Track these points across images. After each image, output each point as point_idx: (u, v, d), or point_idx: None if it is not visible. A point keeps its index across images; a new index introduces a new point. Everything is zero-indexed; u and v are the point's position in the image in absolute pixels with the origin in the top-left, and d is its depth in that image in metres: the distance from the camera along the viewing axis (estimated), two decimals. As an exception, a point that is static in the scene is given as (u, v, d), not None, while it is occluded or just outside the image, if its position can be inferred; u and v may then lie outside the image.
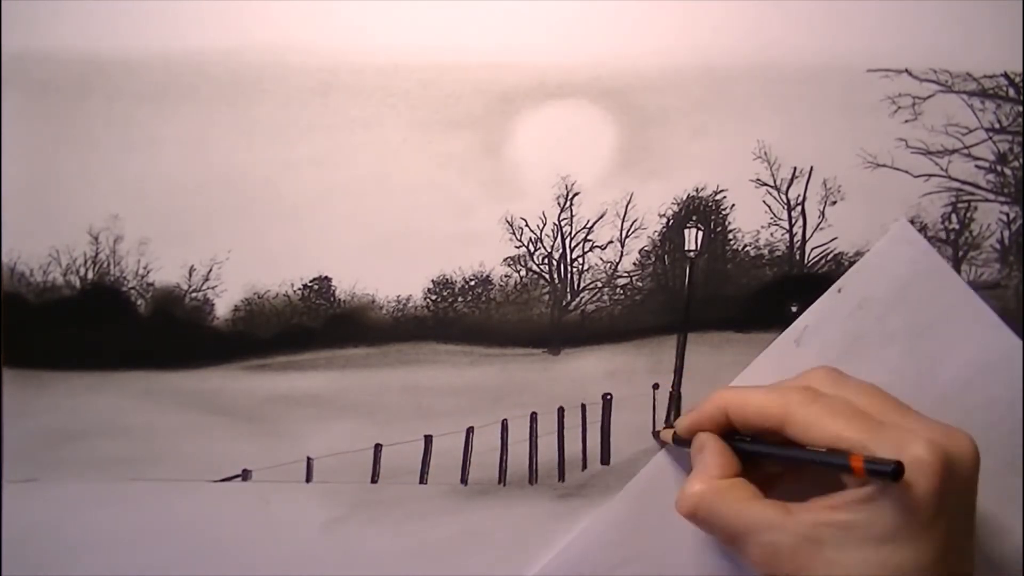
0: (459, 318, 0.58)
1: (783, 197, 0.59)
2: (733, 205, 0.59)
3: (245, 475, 0.56)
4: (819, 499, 0.42)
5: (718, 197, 0.58)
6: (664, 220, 0.59)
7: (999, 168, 0.59)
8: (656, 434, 0.56)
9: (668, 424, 0.56)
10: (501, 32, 0.57)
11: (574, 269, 0.59)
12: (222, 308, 0.57)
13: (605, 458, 0.58)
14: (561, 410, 0.57)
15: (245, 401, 0.57)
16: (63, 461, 0.56)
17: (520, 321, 0.59)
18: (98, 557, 0.55)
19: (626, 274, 0.59)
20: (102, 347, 0.57)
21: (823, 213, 0.59)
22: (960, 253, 0.59)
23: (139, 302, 0.57)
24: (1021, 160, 0.59)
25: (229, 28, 0.57)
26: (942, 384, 0.53)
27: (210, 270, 0.57)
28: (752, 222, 0.59)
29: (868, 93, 0.58)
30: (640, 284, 0.59)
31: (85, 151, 0.57)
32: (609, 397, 0.58)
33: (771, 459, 0.46)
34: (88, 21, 0.57)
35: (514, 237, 0.58)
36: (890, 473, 0.38)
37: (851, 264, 0.58)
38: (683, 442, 0.51)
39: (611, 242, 0.59)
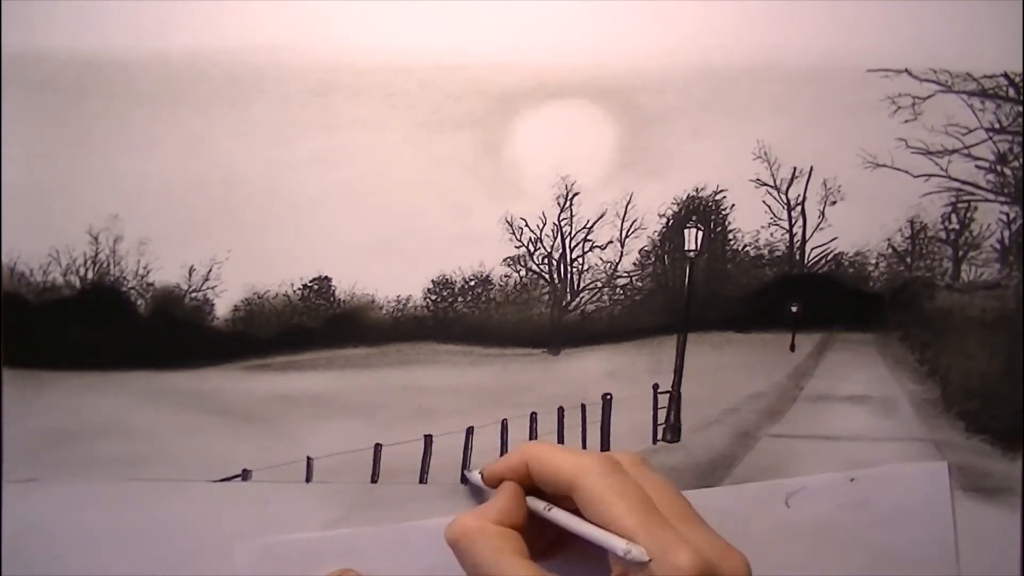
0: (459, 318, 0.58)
1: (783, 197, 0.59)
2: (733, 205, 0.59)
3: (245, 475, 0.56)
4: None
5: (718, 197, 0.58)
6: (664, 220, 0.59)
7: (999, 168, 0.59)
8: (464, 478, 0.54)
9: (469, 468, 0.55)
10: (501, 32, 0.57)
11: (574, 269, 0.59)
12: (222, 308, 0.57)
13: (605, 458, 0.58)
14: (561, 410, 0.57)
15: (245, 401, 0.57)
16: (63, 461, 0.56)
17: (520, 321, 0.59)
18: (98, 557, 0.55)
19: (626, 274, 0.59)
20: (102, 347, 0.57)
21: (823, 213, 0.59)
22: (960, 253, 0.59)
23: (139, 302, 0.57)
24: (1021, 160, 0.59)
25: (229, 28, 0.57)
26: None
27: (210, 270, 0.57)
28: (752, 222, 0.59)
29: (868, 93, 0.58)
30: (640, 284, 0.59)
31: (85, 151, 0.57)
32: (609, 397, 0.58)
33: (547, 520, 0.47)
34: (88, 21, 0.57)
35: (514, 237, 0.58)
36: (638, 561, 0.38)
37: (851, 264, 0.58)
38: (492, 487, 0.51)
39: (611, 242, 0.59)
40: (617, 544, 0.39)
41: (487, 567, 0.42)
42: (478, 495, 0.57)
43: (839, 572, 0.53)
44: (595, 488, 0.41)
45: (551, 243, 0.58)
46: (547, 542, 0.46)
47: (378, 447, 0.57)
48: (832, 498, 0.54)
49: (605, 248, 0.59)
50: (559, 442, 0.57)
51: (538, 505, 0.45)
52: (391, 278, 0.57)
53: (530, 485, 0.46)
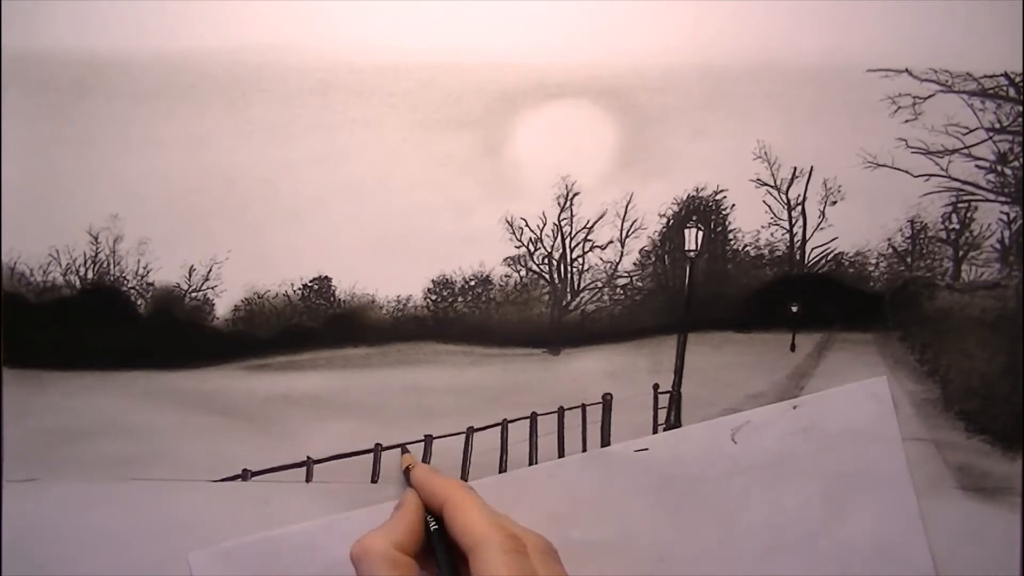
0: (459, 318, 0.58)
1: (783, 197, 0.59)
2: (733, 205, 0.59)
3: (245, 475, 0.56)
4: None
5: (718, 197, 0.58)
6: (664, 220, 0.59)
7: (999, 168, 0.59)
8: (404, 449, 0.56)
9: (407, 452, 0.56)
10: (501, 32, 0.57)
11: (574, 269, 0.59)
12: (222, 308, 0.57)
13: (605, 458, 0.58)
14: (561, 410, 0.57)
15: (245, 401, 0.57)
16: (63, 461, 0.56)
17: (520, 321, 0.58)
18: (98, 557, 0.55)
19: (626, 274, 0.59)
20: (102, 347, 0.57)
21: (823, 213, 0.59)
22: (960, 253, 0.59)
23: (139, 302, 0.57)
24: (1021, 160, 0.59)
25: (229, 28, 0.57)
26: (840, 537, 0.54)
27: (210, 270, 0.57)
28: (752, 222, 0.59)
29: (868, 93, 0.58)
30: (640, 284, 0.59)
31: (85, 151, 0.57)
32: (609, 397, 0.58)
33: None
34: (88, 21, 0.57)
35: (514, 237, 0.58)
36: None
37: (851, 264, 0.58)
38: (406, 476, 0.52)
39: (611, 242, 0.59)
40: None
41: None
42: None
43: (795, 500, 0.54)
44: (490, 560, 0.43)
45: (551, 243, 0.58)
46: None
47: (378, 447, 0.57)
48: (777, 427, 0.55)
49: (605, 248, 0.59)
50: (559, 442, 0.57)
51: (436, 543, 0.48)
52: (391, 278, 0.57)
53: (434, 512, 0.48)
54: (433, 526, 0.48)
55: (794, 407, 0.55)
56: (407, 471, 0.52)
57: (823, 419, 0.55)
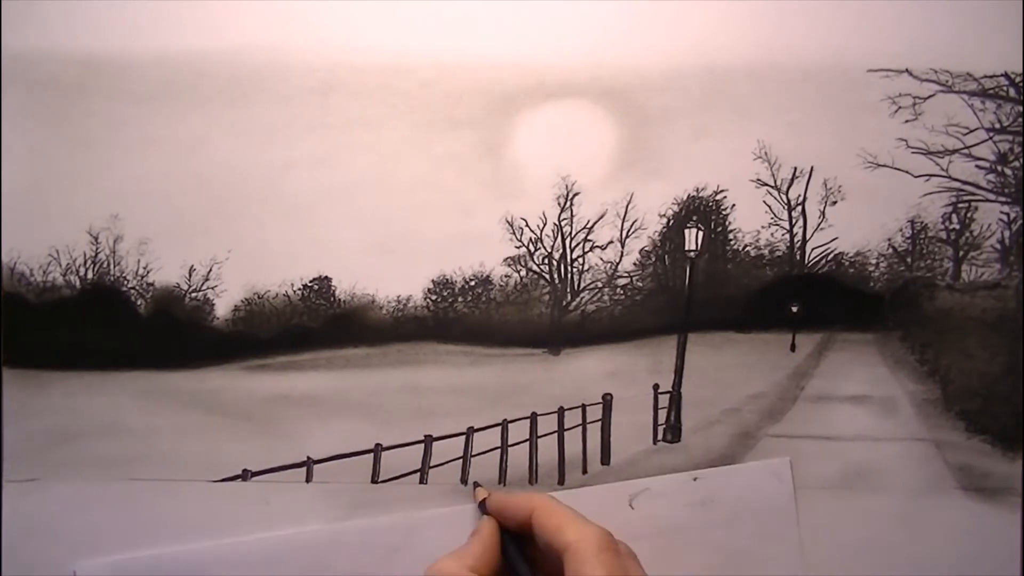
0: (459, 318, 0.58)
1: (783, 197, 0.59)
2: (733, 205, 0.59)
3: (245, 475, 0.56)
4: None
5: (718, 197, 0.58)
6: (664, 220, 0.59)
7: (999, 168, 0.59)
8: (475, 486, 0.56)
9: (479, 487, 0.56)
10: (501, 32, 0.57)
11: (574, 269, 0.59)
12: (222, 308, 0.57)
13: (605, 458, 0.58)
14: (561, 410, 0.57)
15: (245, 401, 0.57)
16: (63, 461, 0.56)
17: (520, 321, 0.58)
18: (98, 557, 0.55)
19: (626, 274, 0.59)
20: (102, 347, 0.57)
21: (823, 213, 0.59)
22: (960, 253, 0.59)
23: (139, 302, 0.57)
24: (1021, 160, 0.59)
25: (229, 28, 0.57)
26: None
27: (210, 270, 0.57)
28: (752, 222, 0.59)
29: (868, 93, 0.58)
30: (640, 284, 0.59)
31: (85, 151, 0.57)
32: (609, 397, 0.58)
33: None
34: (88, 21, 0.57)
35: (514, 237, 0.58)
36: None
37: (851, 264, 0.58)
38: (483, 507, 0.52)
39: (611, 242, 0.59)
40: None
41: None
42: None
43: (686, 572, 0.54)
44: (587, 557, 0.44)
45: (551, 243, 0.58)
46: None
47: (378, 447, 0.57)
48: (676, 498, 0.55)
49: (605, 248, 0.59)
50: (559, 442, 0.57)
51: (515, 562, 0.48)
52: (391, 278, 0.57)
53: (515, 529, 0.49)
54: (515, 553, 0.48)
55: (695, 479, 0.56)
56: (482, 503, 0.52)
57: (722, 493, 0.55)
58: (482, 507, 0.52)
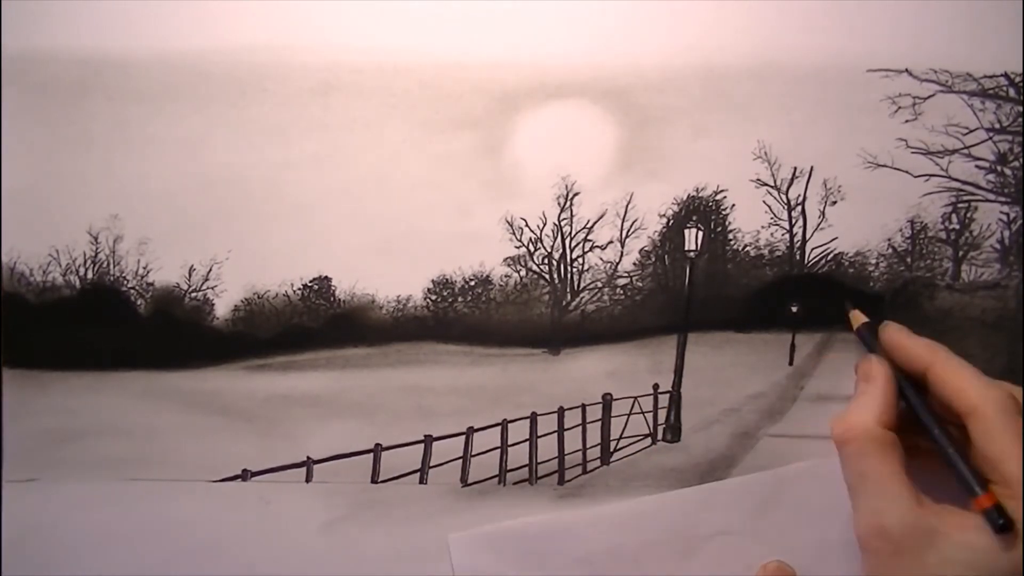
0: (459, 318, 0.58)
1: (783, 197, 0.59)
2: (733, 205, 0.59)
3: (245, 475, 0.56)
4: (952, 510, 0.41)
5: (718, 197, 0.58)
6: (664, 220, 0.59)
7: (999, 168, 0.59)
8: (846, 308, 0.50)
9: (854, 309, 0.50)
10: (501, 32, 0.57)
11: (574, 269, 0.59)
12: (222, 308, 0.57)
13: (605, 458, 0.58)
14: (561, 410, 0.57)
15: (245, 401, 0.57)
16: (63, 461, 0.56)
17: (520, 321, 0.58)
18: (98, 557, 0.55)
19: (626, 274, 0.59)
20: (102, 347, 0.57)
21: (823, 213, 0.59)
22: (960, 253, 0.59)
23: (139, 302, 0.57)
24: (1021, 160, 0.59)
25: (229, 28, 0.57)
26: None
27: (210, 270, 0.57)
28: (752, 222, 0.59)
29: (868, 93, 0.58)
30: (640, 284, 0.59)
31: (85, 151, 0.57)
32: (609, 397, 0.58)
33: (920, 432, 0.45)
34: (88, 21, 0.57)
35: (514, 237, 0.58)
36: (997, 525, 0.38)
37: (851, 264, 0.58)
38: (866, 341, 0.48)
39: (611, 242, 0.59)
40: (982, 499, 0.39)
41: (872, 477, 0.42)
42: (483, 495, 0.57)
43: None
44: (995, 422, 0.41)
45: (551, 243, 0.58)
46: (899, 429, 0.45)
47: (378, 447, 0.57)
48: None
49: (605, 248, 0.59)
50: (559, 442, 0.57)
51: (925, 420, 0.44)
52: (391, 278, 0.57)
53: (909, 374, 0.45)
54: (920, 403, 0.45)
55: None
56: (869, 329, 0.48)
57: None
58: (862, 335, 0.48)
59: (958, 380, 0.43)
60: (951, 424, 0.43)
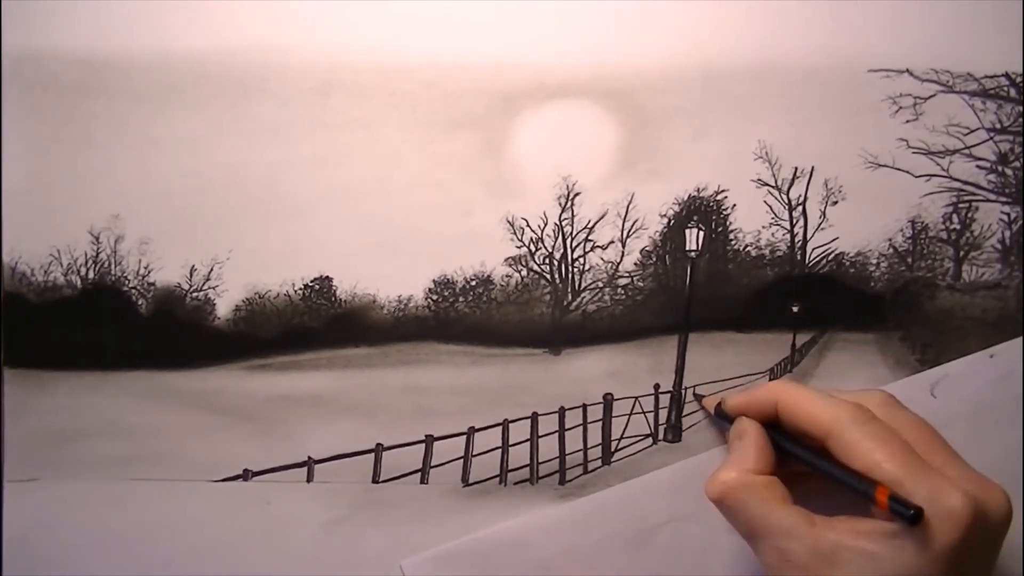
0: (460, 318, 0.58)
1: (784, 197, 0.59)
2: (734, 205, 0.59)
3: (245, 475, 0.56)
4: (845, 519, 0.42)
5: (719, 197, 0.58)
6: (665, 220, 0.59)
7: (1000, 168, 0.59)
8: (698, 397, 0.55)
9: (703, 397, 0.56)
10: (502, 32, 0.57)
11: (575, 269, 0.59)
12: (223, 308, 0.57)
13: (606, 458, 0.58)
14: (562, 410, 0.57)
15: (246, 401, 0.57)
16: (63, 461, 0.56)
17: (521, 321, 0.58)
18: (98, 557, 0.55)
19: (627, 274, 0.59)
20: (103, 347, 0.56)
21: (824, 213, 0.59)
22: (961, 253, 0.59)
23: (140, 302, 0.57)
24: (1022, 160, 0.59)
25: (229, 28, 0.57)
26: None
27: (211, 270, 0.57)
28: (753, 222, 0.59)
29: (869, 93, 0.58)
30: (641, 284, 0.59)
31: (85, 151, 0.57)
32: (610, 397, 0.58)
33: (803, 464, 0.46)
34: (88, 21, 0.57)
35: (515, 237, 0.58)
36: (908, 517, 0.38)
37: (852, 264, 0.58)
38: (724, 417, 0.51)
39: (612, 242, 0.59)
40: (880, 494, 0.39)
41: (759, 521, 0.43)
42: (483, 495, 0.57)
43: (997, 452, 0.53)
44: (853, 438, 0.41)
45: (552, 243, 0.58)
46: (790, 474, 0.46)
47: (379, 447, 0.57)
48: (975, 379, 0.54)
49: (606, 248, 0.59)
50: (560, 442, 0.57)
51: (795, 450, 0.46)
52: (392, 278, 0.57)
53: (768, 422, 0.47)
54: (787, 439, 0.46)
55: (991, 356, 0.55)
56: (718, 409, 0.51)
57: (1021, 366, 0.54)
58: (719, 414, 0.51)
59: (805, 408, 0.45)
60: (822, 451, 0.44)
